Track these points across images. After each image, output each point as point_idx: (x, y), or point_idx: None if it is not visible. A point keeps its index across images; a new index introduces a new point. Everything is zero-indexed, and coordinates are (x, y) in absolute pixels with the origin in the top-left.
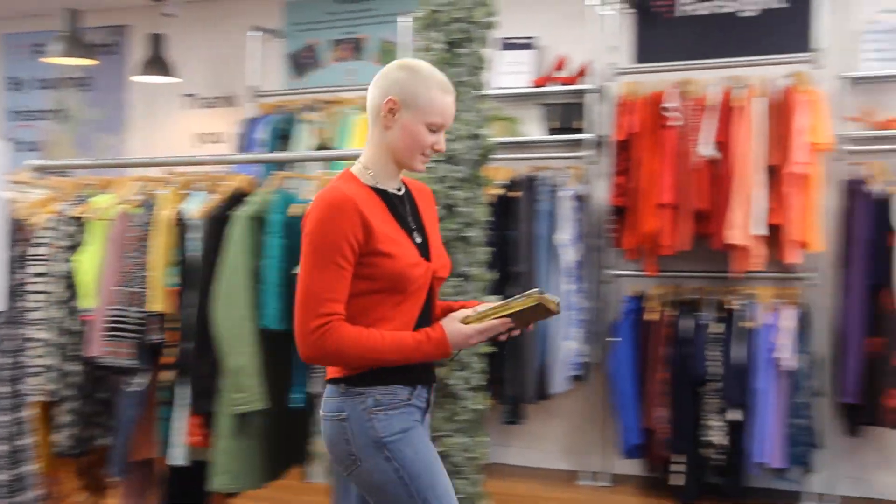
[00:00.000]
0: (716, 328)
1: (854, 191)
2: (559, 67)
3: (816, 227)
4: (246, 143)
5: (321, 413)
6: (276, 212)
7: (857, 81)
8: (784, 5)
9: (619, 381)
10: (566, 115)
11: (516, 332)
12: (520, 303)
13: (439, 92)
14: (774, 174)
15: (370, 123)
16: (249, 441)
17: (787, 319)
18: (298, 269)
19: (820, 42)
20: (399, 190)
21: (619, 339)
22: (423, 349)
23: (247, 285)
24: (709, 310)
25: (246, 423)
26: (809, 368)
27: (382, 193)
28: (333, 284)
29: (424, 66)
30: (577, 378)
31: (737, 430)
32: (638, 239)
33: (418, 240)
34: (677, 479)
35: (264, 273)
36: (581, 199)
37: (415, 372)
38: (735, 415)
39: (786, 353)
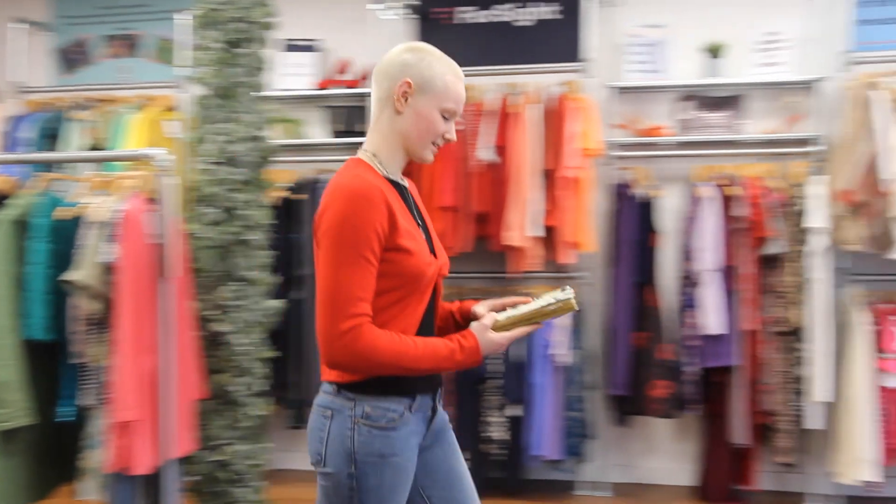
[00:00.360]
0: None
1: (621, 194)
2: (342, 71)
3: (588, 229)
4: (9, 142)
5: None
6: (42, 215)
7: (623, 91)
8: (557, 17)
9: None
10: (350, 118)
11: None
12: (553, 308)
13: (454, 77)
14: (549, 178)
15: (377, 111)
16: (14, 459)
17: (562, 317)
18: (317, 267)
19: (589, 53)
20: (403, 181)
21: None
22: (455, 358)
23: (9, 294)
24: None
25: (10, 439)
26: (583, 363)
27: (395, 184)
28: (363, 281)
29: (436, 49)
30: None
31: (517, 426)
32: None
33: (426, 236)
34: None
35: (29, 280)
36: None
37: (414, 385)
38: (515, 410)
39: (561, 350)
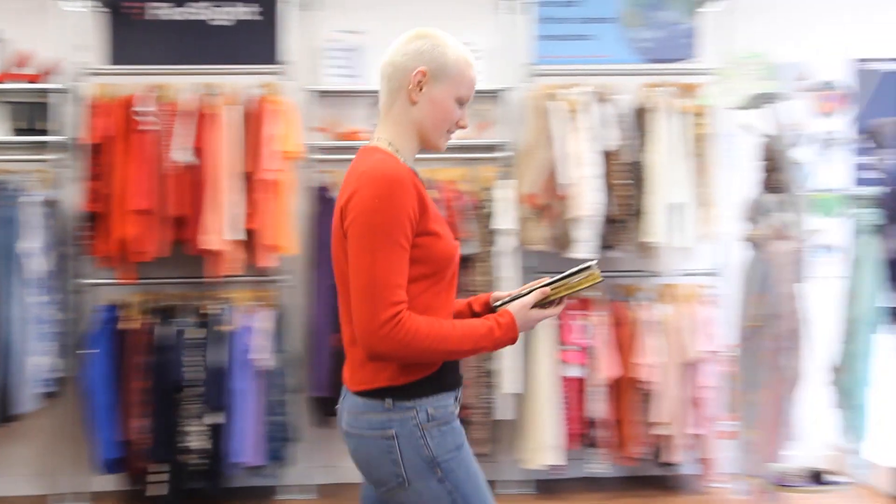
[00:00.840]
0: (194, 333)
1: (321, 197)
2: (21, 64)
3: (288, 232)
4: None
5: (350, 429)
6: None
7: (323, 94)
8: (256, 18)
9: (95, 395)
10: (32, 114)
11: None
12: (578, 281)
13: (466, 63)
14: (248, 180)
15: (388, 102)
16: None
17: (264, 321)
18: (349, 256)
19: (288, 56)
20: (416, 169)
21: (95, 350)
22: (494, 335)
23: None
24: (187, 315)
25: None
26: (285, 367)
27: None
28: (399, 267)
29: (445, 33)
30: (49, 395)
31: (218, 433)
32: (113, 246)
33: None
34: (159, 489)
35: None
36: (50, 205)
37: (454, 375)
38: (216, 418)
39: (262, 354)
